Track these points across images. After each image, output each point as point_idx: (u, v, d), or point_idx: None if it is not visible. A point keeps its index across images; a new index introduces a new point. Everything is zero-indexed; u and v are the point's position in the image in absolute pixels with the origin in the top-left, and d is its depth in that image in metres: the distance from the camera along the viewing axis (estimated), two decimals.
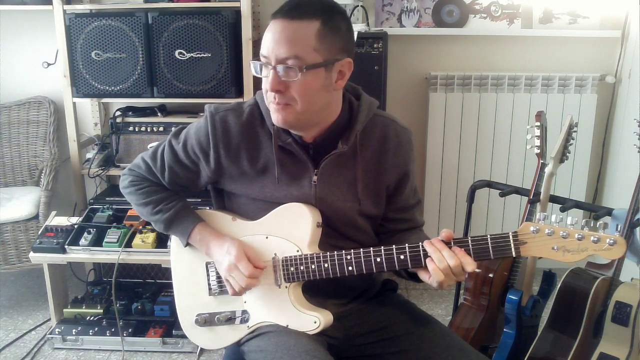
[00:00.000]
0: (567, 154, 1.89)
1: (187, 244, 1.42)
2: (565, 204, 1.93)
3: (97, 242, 2.35)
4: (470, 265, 1.15)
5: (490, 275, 1.96)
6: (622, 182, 2.75)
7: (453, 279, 1.18)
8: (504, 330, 1.93)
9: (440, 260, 1.17)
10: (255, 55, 2.63)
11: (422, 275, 1.23)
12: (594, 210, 1.94)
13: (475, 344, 1.94)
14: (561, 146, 1.87)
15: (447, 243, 1.18)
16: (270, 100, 1.25)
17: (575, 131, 1.89)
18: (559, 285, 1.83)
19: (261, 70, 1.24)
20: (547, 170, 1.88)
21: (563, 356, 1.77)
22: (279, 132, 1.30)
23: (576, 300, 1.77)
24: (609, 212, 1.87)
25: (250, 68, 1.31)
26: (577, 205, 1.95)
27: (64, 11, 2.55)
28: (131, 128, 2.67)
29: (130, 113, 2.73)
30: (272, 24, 1.21)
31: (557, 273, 1.99)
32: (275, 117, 1.26)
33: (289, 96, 1.22)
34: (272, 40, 1.20)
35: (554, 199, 1.95)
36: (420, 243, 1.21)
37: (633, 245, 1.81)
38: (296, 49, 1.19)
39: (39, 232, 2.44)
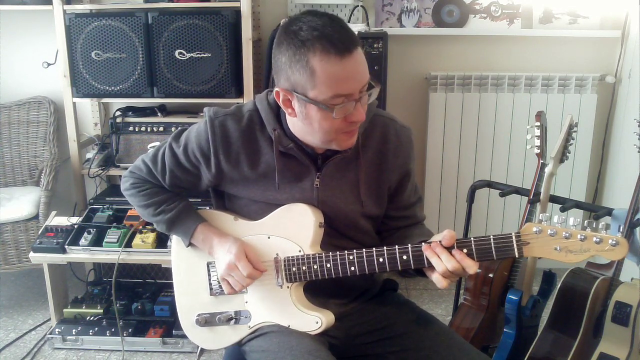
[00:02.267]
0: (567, 154, 1.89)
1: (190, 244, 1.43)
2: (565, 204, 1.93)
3: (97, 242, 2.35)
4: (472, 268, 1.15)
5: (490, 275, 1.96)
6: (622, 182, 2.75)
7: (455, 278, 1.19)
8: (504, 330, 1.93)
9: (439, 264, 1.17)
10: (256, 55, 2.64)
11: (427, 271, 1.24)
12: (594, 210, 1.94)
13: (475, 344, 1.94)
14: (561, 146, 1.87)
15: (450, 247, 1.18)
16: (346, 130, 1.23)
17: (575, 131, 1.89)
18: (559, 285, 1.83)
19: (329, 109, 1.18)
20: (547, 170, 1.88)
21: (563, 356, 1.77)
22: (280, 137, 1.30)
23: (576, 300, 1.77)
24: (609, 212, 1.87)
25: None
26: (577, 205, 1.95)
27: (64, 11, 2.55)
28: (131, 128, 2.67)
29: (130, 113, 2.73)
30: (339, 61, 1.13)
31: (557, 273, 1.99)
32: (351, 142, 1.26)
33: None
34: (353, 75, 1.16)
35: (554, 199, 1.95)
36: (422, 243, 1.21)
37: (633, 245, 1.81)
38: (368, 70, 1.20)
39: (39, 232, 2.44)
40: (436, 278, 1.19)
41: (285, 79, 1.20)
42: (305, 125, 1.24)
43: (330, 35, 1.13)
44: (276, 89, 1.24)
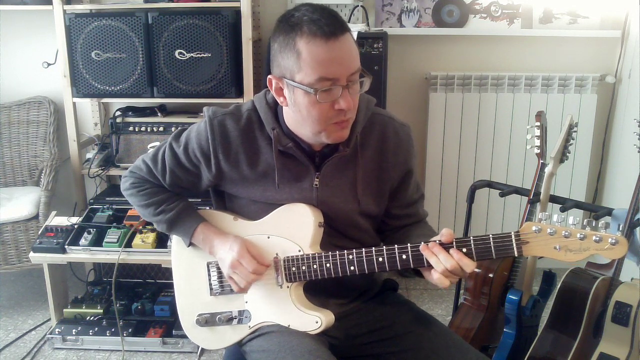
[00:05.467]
0: (567, 154, 1.89)
1: (190, 244, 1.43)
2: (565, 204, 1.93)
3: (97, 242, 2.35)
4: (469, 267, 1.15)
5: (490, 275, 1.96)
6: (622, 182, 2.75)
7: (455, 278, 1.18)
8: (504, 330, 1.93)
9: (437, 264, 1.17)
10: (256, 55, 2.64)
11: (425, 272, 1.24)
12: (594, 210, 1.94)
13: (475, 344, 1.95)
14: (561, 146, 1.87)
15: (449, 244, 1.18)
16: (337, 120, 1.22)
17: (575, 131, 1.89)
18: (559, 285, 1.83)
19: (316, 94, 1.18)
20: (547, 170, 1.88)
21: (563, 356, 1.77)
22: (279, 136, 1.30)
23: (576, 300, 1.77)
24: (609, 212, 1.87)
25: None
26: (577, 205, 1.95)
27: (64, 11, 2.55)
28: (131, 128, 2.67)
29: (130, 113, 2.73)
30: (324, 44, 1.14)
31: (557, 273, 1.99)
32: (341, 134, 1.25)
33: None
34: (339, 59, 1.16)
35: (554, 199, 1.95)
36: (421, 242, 1.21)
37: (633, 245, 1.81)
38: (358, 59, 1.20)
39: (39, 232, 2.44)
40: (437, 278, 1.18)
41: (277, 66, 1.22)
42: (295, 113, 1.24)
43: (317, 19, 1.15)
44: (269, 77, 1.25)
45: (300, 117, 1.23)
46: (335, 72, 1.16)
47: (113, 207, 2.51)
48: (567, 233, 1.09)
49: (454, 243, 1.18)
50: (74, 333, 2.38)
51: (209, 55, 2.50)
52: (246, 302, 1.38)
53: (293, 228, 1.31)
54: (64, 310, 2.51)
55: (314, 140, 1.29)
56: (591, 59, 2.87)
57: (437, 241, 1.19)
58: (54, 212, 2.56)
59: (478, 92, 2.85)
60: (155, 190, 1.44)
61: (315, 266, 1.28)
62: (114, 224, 2.41)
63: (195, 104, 2.69)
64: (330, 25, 1.14)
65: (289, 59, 1.18)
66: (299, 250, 1.30)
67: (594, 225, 1.09)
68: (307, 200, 1.32)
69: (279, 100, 1.26)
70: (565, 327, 1.80)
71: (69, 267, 2.69)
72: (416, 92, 2.95)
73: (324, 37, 1.14)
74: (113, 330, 2.37)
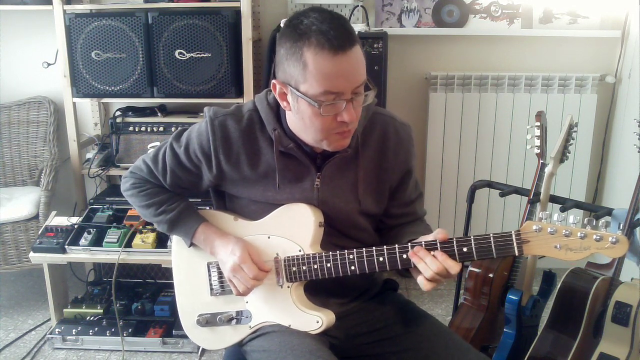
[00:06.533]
0: (567, 154, 1.89)
1: (191, 244, 1.43)
2: (565, 204, 1.93)
3: (97, 242, 2.35)
4: (454, 269, 1.16)
5: (490, 275, 1.96)
6: (622, 182, 2.75)
7: (442, 281, 1.19)
8: (504, 330, 1.94)
9: (425, 270, 1.18)
10: (256, 55, 2.64)
11: (413, 272, 1.25)
12: (594, 210, 1.94)
13: (475, 344, 1.95)
14: (561, 146, 1.87)
15: (433, 244, 1.19)
16: (338, 131, 1.22)
17: (575, 131, 1.89)
18: (559, 285, 1.83)
19: (319, 106, 1.17)
20: (547, 170, 1.89)
21: (563, 356, 1.77)
22: (280, 137, 1.30)
23: (576, 300, 1.77)
24: (609, 212, 1.88)
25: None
26: (577, 205, 1.95)
27: (64, 11, 2.55)
28: (131, 128, 2.67)
29: (130, 113, 2.73)
30: (331, 58, 1.12)
31: (557, 273, 1.99)
32: (342, 143, 1.25)
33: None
34: (345, 74, 1.15)
35: (554, 199, 1.95)
36: (422, 242, 1.21)
37: (633, 245, 1.81)
38: (364, 71, 1.19)
39: (39, 232, 2.44)
40: (420, 281, 1.20)
41: (282, 71, 1.21)
42: (297, 119, 1.24)
43: (327, 31, 1.13)
44: (273, 81, 1.24)
45: (302, 124, 1.23)
46: (340, 86, 1.16)
47: (113, 207, 2.51)
48: (567, 232, 1.09)
49: (454, 242, 1.18)
50: (74, 333, 2.38)
51: (209, 55, 2.50)
52: (247, 302, 1.37)
53: (293, 228, 1.31)
54: (64, 310, 2.51)
55: (316, 145, 1.30)
56: (591, 59, 2.87)
57: (422, 242, 1.20)
58: (54, 212, 2.56)
59: (478, 92, 2.85)
60: (156, 191, 1.44)
61: (315, 266, 1.28)
62: (114, 224, 2.41)
63: (195, 104, 2.69)
64: (339, 38, 1.13)
65: (294, 68, 1.17)
66: (300, 250, 1.30)
67: (594, 224, 1.09)
68: (308, 200, 1.32)
69: (282, 104, 1.26)
70: (565, 327, 1.80)
71: (69, 267, 2.69)
72: (416, 92, 2.95)
73: (332, 50, 1.12)
74: (113, 330, 2.37)
